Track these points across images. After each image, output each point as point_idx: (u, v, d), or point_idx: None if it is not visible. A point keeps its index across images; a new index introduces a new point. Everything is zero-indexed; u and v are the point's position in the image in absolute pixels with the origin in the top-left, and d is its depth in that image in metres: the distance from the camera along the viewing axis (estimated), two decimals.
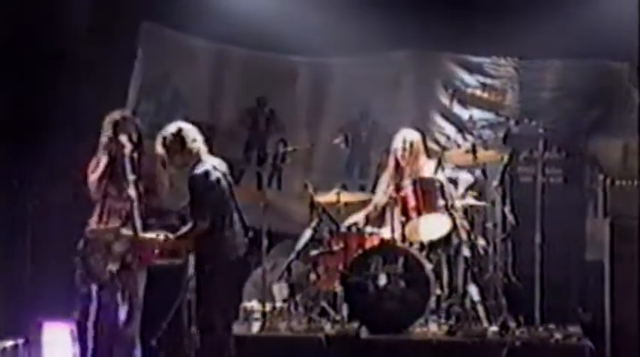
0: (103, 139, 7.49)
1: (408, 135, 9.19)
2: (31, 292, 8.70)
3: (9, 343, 7.58)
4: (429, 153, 9.32)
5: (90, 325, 7.31)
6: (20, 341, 7.95)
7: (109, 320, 7.36)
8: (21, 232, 8.93)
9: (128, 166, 7.36)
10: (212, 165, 7.38)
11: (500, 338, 8.27)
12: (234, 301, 7.72)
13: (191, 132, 7.44)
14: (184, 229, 7.29)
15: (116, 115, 7.58)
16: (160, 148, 7.43)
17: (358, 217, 9.15)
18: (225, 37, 10.38)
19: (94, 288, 7.31)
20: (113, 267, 7.26)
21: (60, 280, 8.07)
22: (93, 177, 7.43)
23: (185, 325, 7.64)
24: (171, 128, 7.43)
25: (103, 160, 7.44)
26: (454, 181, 8.99)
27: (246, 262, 7.51)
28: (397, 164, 9.17)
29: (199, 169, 7.34)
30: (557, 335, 8.40)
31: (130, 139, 7.43)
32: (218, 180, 7.34)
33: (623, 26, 9.25)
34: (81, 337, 7.32)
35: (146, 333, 7.57)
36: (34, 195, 8.89)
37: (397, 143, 9.18)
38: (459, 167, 9.15)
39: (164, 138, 7.41)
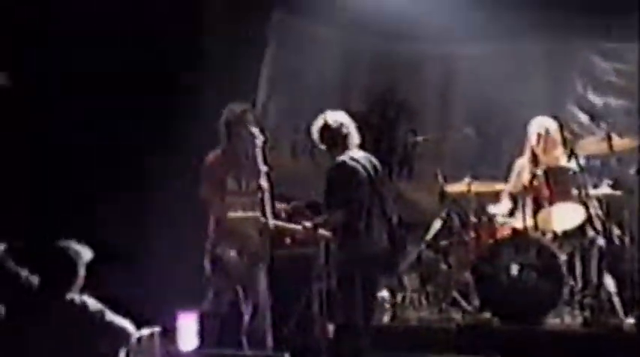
0: (225, 132, 7.57)
1: (544, 122, 9.00)
2: (167, 281, 8.85)
3: (145, 332, 7.72)
4: (565, 142, 9.14)
5: (212, 317, 7.44)
6: (157, 330, 8.11)
7: (234, 312, 7.46)
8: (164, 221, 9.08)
9: (260, 157, 7.44)
10: (350, 156, 7.35)
11: (637, 330, 8.10)
12: (372, 295, 7.65)
13: (338, 123, 7.43)
14: (319, 219, 7.28)
15: (237, 107, 7.65)
16: (315, 136, 7.46)
17: (503, 207, 9.02)
18: (353, 27, 10.37)
19: (223, 280, 7.42)
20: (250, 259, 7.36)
21: (195, 270, 8.15)
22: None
23: (316, 315, 7.68)
24: (325, 118, 7.43)
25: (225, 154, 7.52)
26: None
27: (388, 258, 7.44)
28: (532, 152, 9.01)
29: (336, 161, 7.36)
30: None
31: (262, 131, 7.52)
32: (353, 172, 7.29)
33: None
34: (204, 328, 7.43)
35: (278, 323, 7.65)
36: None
37: (533, 130, 9.00)
38: (593, 156, 8.95)
39: (320, 127, 7.44)
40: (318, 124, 7.45)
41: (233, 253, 7.40)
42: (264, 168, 7.40)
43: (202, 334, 7.39)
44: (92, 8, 8.86)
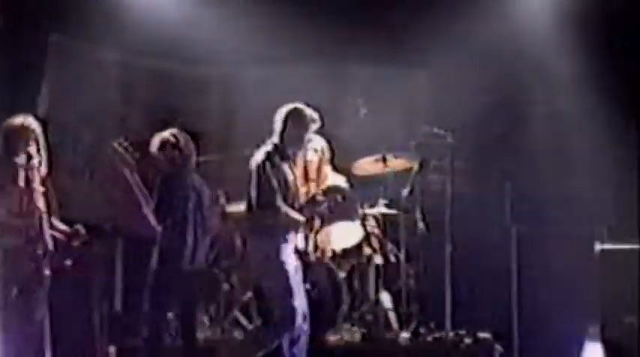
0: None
1: (314, 142, 9.20)
2: None
3: None
4: (334, 161, 9.32)
5: None
6: None
7: None
8: None
9: (36, 178, 7.21)
10: (184, 172, 7.92)
11: (411, 343, 8.39)
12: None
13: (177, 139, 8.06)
14: None
15: (17, 120, 7.36)
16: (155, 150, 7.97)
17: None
18: (134, 49, 10.31)
19: None
20: None
21: None
22: None
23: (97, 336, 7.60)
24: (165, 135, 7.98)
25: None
26: None
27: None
28: (305, 172, 9.17)
29: (169, 172, 7.93)
30: (468, 340, 8.52)
31: (38, 150, 7.30)
32: (182, 186, 7.85)
33: None
34: None
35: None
36: None
37: (304, 150, 9.20)
38: (369, 176, 9.18)
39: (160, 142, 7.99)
40: (159, 138, 7.95)
41: None
42: (40, 188, 7.20)
43: None
44: None
